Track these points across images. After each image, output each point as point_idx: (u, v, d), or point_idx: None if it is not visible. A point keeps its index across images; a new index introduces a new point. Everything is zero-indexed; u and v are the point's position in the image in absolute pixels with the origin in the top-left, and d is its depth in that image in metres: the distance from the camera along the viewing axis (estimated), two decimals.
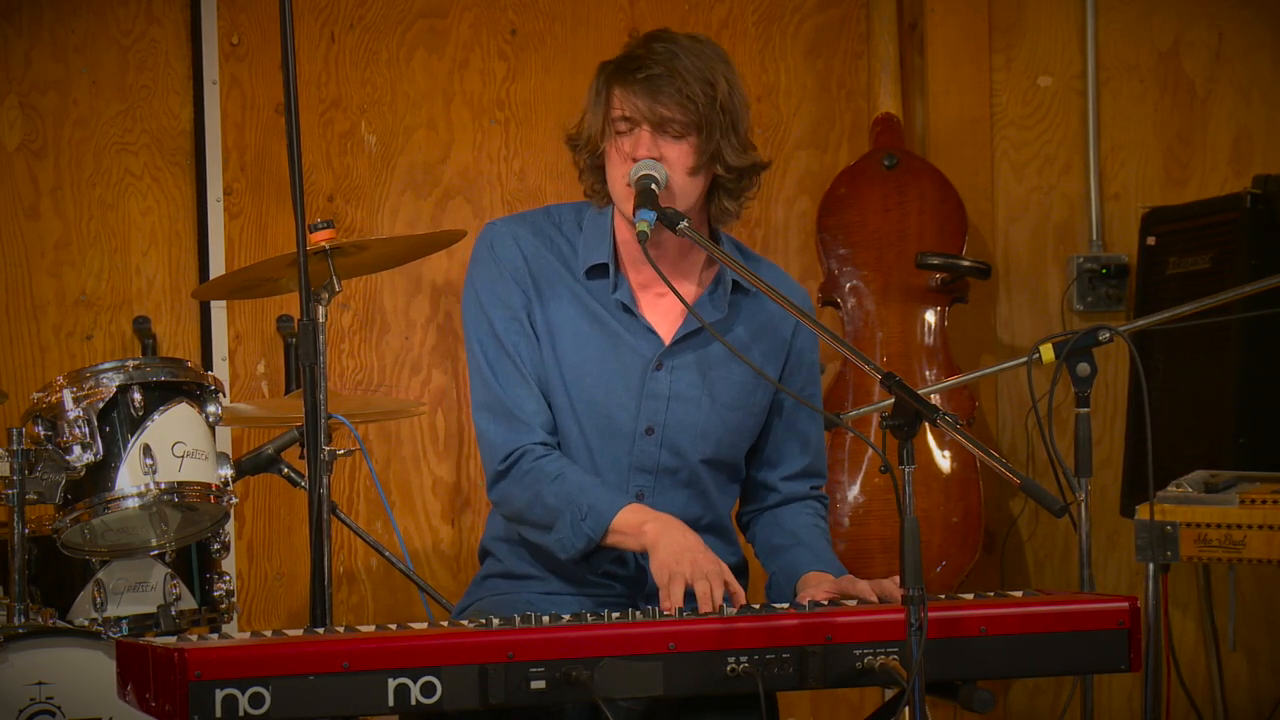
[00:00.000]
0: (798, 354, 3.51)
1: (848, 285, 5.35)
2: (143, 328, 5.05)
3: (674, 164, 3.32)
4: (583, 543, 3.29)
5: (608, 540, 3.28)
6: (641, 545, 3.24)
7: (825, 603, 3.15)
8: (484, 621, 2.96)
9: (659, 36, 3.38)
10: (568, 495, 3.30)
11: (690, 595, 3.08)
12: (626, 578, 3.40)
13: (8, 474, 4.03)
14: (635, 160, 3.30)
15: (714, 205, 3.43)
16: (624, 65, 3.35)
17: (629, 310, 3.41)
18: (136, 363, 4.19)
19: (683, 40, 3.36)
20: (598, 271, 3.42)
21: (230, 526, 4.43)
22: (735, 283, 3.44)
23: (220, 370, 5.21)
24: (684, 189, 3.34)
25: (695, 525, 3.37)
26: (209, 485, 4.16)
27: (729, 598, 3.12)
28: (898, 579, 2.94)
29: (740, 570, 3.50)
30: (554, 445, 3.39)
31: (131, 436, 4.11)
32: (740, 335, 3.45)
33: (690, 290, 3.45)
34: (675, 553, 3.16)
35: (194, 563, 4.33)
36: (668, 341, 3.41)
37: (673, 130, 3.31)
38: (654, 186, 3.28)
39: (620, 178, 3.33)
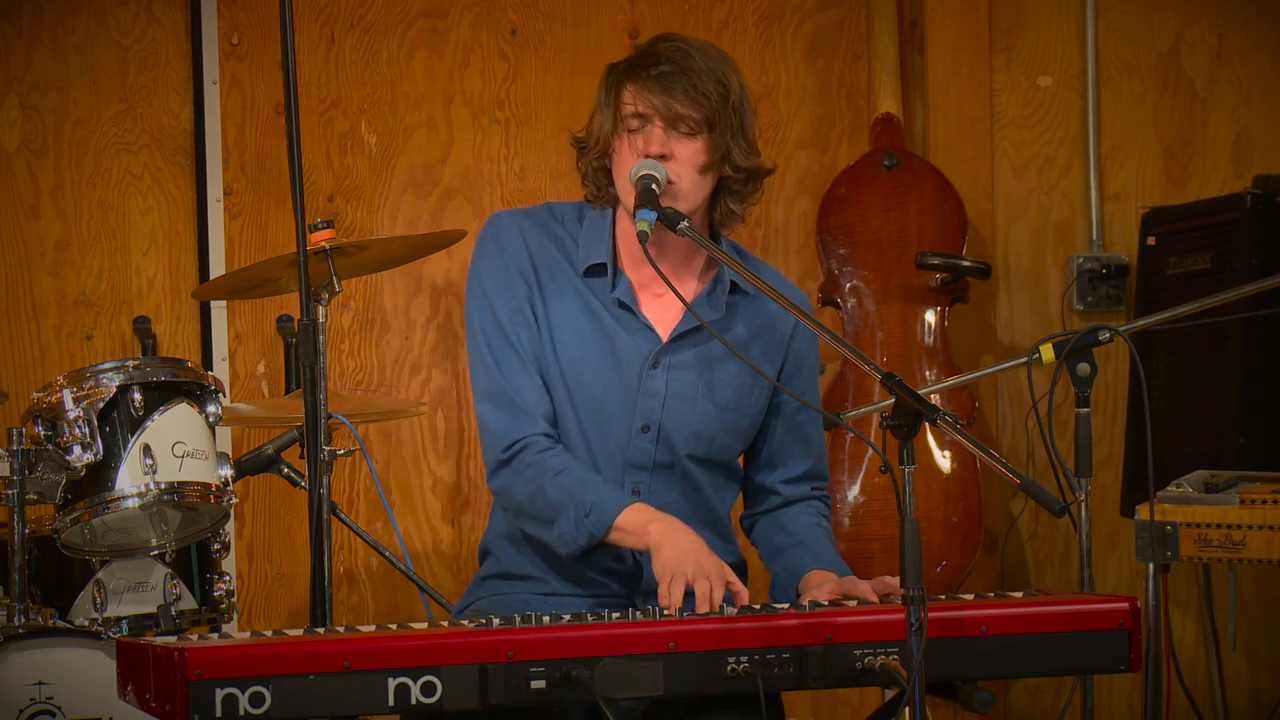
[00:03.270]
0: (796, 355, 3.50)
1: (848, 285, 5.34)
2: (143, 328, 5.04)
3: (685, 162, 3.32)
4: (585, 539, 3.29)
5: (610, 538, 3.28)
6: (645, 545, 3.24)
7: (826, 603, 3.15)
8: (484, 621, 2.96)
9: (667, 37, 3.38)
10: (571, 491, 3.30)
11: (689, 595, 3.08)
12: (623, 575, 3.40)
13: (8, 474, 4.03)
14: (646, 157, 3.30)
15: (719, 208, 3.43)
16: (635, 63, 3.35)
17: (627, 308, 3.41)
18: (136, 363, 4.19)
19: (693, 42, 3.37)
20: (596, 270, 3.43)
21: (230, 526, 4.42)
22: (734, 284, 3.44)
23: (220, 370, 5.21)
24: (693, 188, 3.34)
25: (690, 522, 3.38)
26: (209, 485, 4.16)
27: (730, 598, 3.12)
28: (898, 578, 2.94)
29: (739, 569, 3.49)
30: (556, 437, 3.39)
31: (131, 436, 4.11)
32: (738, 335, 3.44)
33: (689, 290, 3.44)
34: (679, 554, 3.16)
35: (194, 563, 4.33)
36: (665, 339, 3.41)
37: (685, 127, 3.31)
38: (654, 186, 3.28)
39: (629, 175, 3.32)
